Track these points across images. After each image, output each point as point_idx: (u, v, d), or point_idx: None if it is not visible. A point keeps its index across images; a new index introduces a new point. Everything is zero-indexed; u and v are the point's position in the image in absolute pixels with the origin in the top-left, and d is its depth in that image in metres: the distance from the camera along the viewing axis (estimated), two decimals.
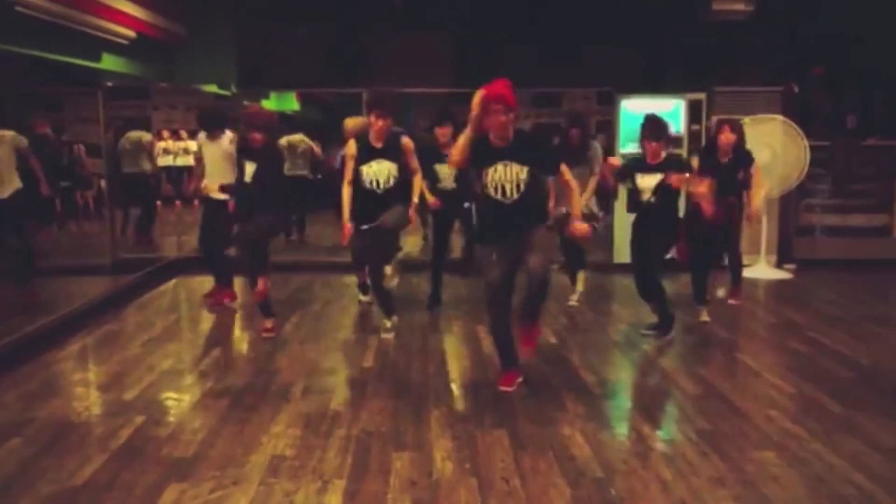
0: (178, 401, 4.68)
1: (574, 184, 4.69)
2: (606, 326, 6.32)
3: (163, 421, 4.32)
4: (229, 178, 6.24)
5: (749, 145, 7.36)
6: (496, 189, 4.48)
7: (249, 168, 5.90)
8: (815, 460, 3.74)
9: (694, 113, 8.84)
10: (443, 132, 6.48)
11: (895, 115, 9.52)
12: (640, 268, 5.80)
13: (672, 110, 8.87)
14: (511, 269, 4.63)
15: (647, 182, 5.65)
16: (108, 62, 7.36)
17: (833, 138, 9.31)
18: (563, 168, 4.65)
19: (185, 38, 8.55)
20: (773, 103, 8.69)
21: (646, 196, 5.67)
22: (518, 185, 4.45)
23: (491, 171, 4.47)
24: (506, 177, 4.45)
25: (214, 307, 6.98)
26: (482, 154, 4.49)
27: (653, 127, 5.66)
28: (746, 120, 8.36)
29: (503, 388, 4.68)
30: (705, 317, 6.40)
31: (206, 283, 8.07)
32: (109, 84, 9.04)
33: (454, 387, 4.87)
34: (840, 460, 3.73)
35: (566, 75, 9.57)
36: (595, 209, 6.96)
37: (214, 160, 6.67)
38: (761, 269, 8.52)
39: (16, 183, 7.06)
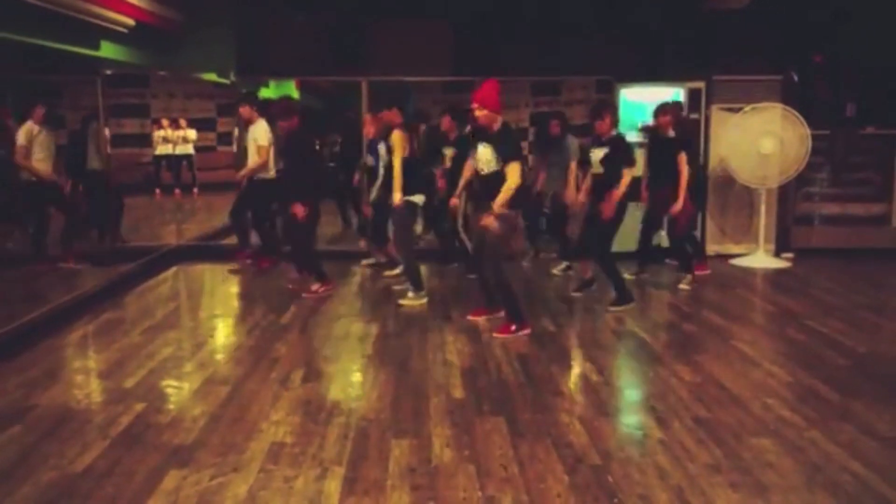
0: (178, 388, 4.70)
1: (511, 181, 5.47)
2: (604, 314, 6.34)
3: (163, 408, 4.34)
4: None
5: (752, 135, 7.68)
6: (477, 163, 5.72)
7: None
8: (811, 448, 3.76)
9: (693, 101, 8.84)
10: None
11: (894, 103, 9.51)
12: (588, 235, 6.67)
13: (671, 99, 8.87)
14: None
15: (598, 155, 6.49)
16: (107, 50, 7.36)
17: (832, 127, 9.30)
18: (511, 165, 5.50)
19: (184, 26, 8.53)
20: (772, 92, 8.68)
21: (596, 168, 6.53)
22: (487, 164, 5.61)
23: (474, 149, 5.77)
24: (482, 156, 5.64)
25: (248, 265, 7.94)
26: (476, 136, 5.85)
27: (596, 108, 6.62)
28: (746, 109, 8.39)
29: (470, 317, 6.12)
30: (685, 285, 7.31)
31: (205, 270, 8.13)
32: (108, 72, 9.02)
33: (453, 374, 4.89)
34: (836, 448, 3.75)
35: (565, 64, 9.55)
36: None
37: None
38: (759, 258, 8.53)
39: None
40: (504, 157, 5.54)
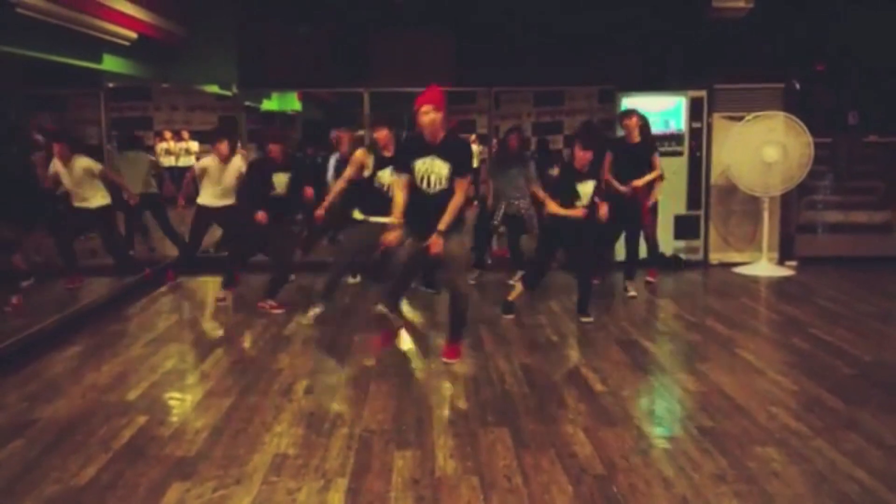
0: (181, 400, 4.70)
1: (459, 198, 4.95)
2: (607, 324, 6.33)
3: (165, 420, 4.34)
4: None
5: (755, 143, 7.65)
6: (422, 180, 4.97)
7: (280, 179, 6.75)
8: (816, 457, 3.74)
9: (695, 110, 8.85)
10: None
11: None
12: (579, 257, 6.52)
13: (674, 108, 8.88)
14: (417, 255, 5.07)
15: (587, 189, 6.27)
16: (110, 63, 7.37)
17: (835, 135, 9.29)
18: (465, 181, 4.97)
19: (186, 38, 8.56)
20: (774, 100, 8.69)
21: (585, 202, 6.27)
22: (440, 179, 4.94)
23: (419, 163, 4.96)
24: (432, 170, 4.94)
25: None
26: (415, 148, 5.02)
27: (588, 137, 6.30)
28: (749, 117, 8.39)
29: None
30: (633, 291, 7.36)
31: (207, 283, 8.11)
32: (111, 85, 9.05)
33: (456, 385, 4.88)
34: (842, 457, 3.73)
35: (568, 73, 9.56)
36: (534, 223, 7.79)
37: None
38: (763, 267, 8.52)
39: (100, 199, 7.63)
40: (464, 170, 4.98)
